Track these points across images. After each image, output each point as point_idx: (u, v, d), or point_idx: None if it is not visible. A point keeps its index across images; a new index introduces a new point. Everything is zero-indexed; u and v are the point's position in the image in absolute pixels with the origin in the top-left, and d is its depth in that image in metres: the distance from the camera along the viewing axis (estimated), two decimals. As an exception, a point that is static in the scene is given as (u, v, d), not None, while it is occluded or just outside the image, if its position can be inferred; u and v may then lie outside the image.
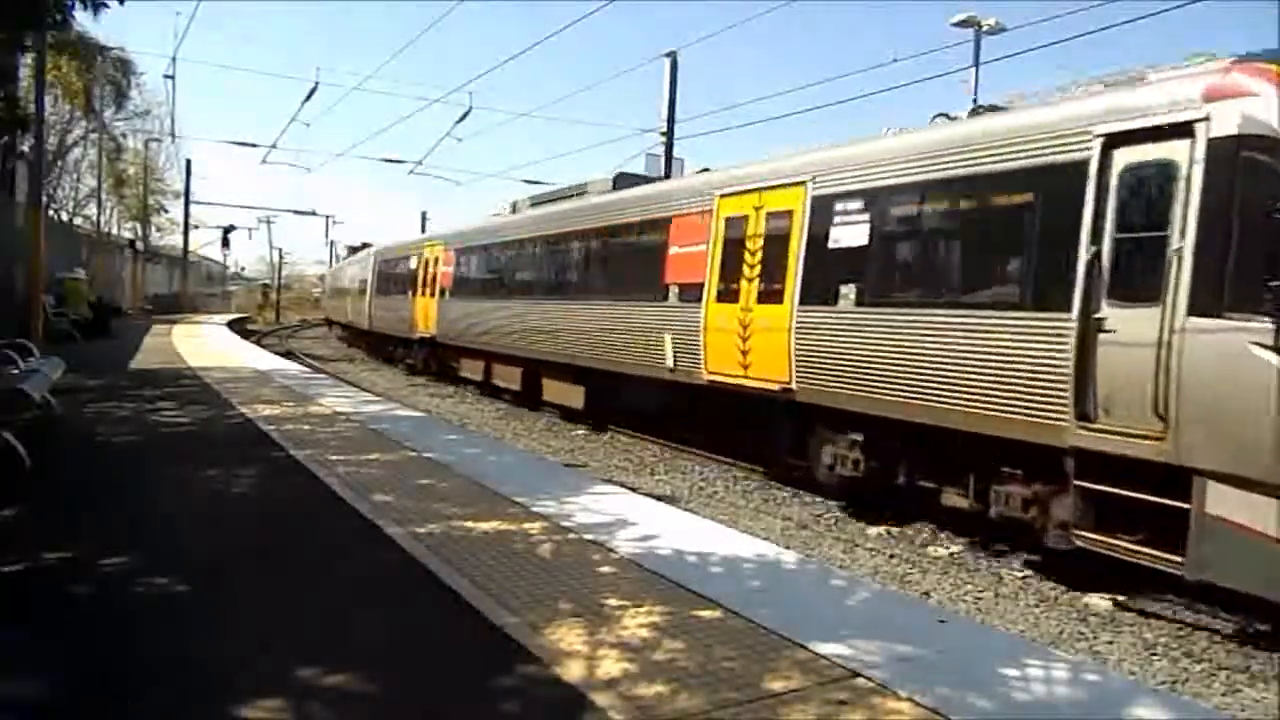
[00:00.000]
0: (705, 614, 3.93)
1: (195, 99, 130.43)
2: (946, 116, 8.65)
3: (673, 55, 21.59)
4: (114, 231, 44.20)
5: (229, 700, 3.03)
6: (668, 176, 14.45)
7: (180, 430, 8.94)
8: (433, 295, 21.23)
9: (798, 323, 9.08)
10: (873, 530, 8.59)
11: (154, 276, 47.95)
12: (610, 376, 13.07)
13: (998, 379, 7.00)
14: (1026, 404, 6.74)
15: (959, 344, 7.37)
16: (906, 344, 7.84)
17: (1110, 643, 5.89)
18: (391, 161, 58.48)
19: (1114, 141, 6.41)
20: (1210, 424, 5.60)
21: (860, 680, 3.27)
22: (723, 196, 10.67)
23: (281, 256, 68.38)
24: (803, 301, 9.08)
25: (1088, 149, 6.55)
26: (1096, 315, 6.33)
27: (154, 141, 43.18)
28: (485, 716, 3.01)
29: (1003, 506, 7.19)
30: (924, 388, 7.62)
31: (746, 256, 10.02)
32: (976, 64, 20.53)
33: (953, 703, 3.10)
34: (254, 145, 35.33)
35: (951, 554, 7.84)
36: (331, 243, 59.93)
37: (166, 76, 46.35)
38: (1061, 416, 6.46)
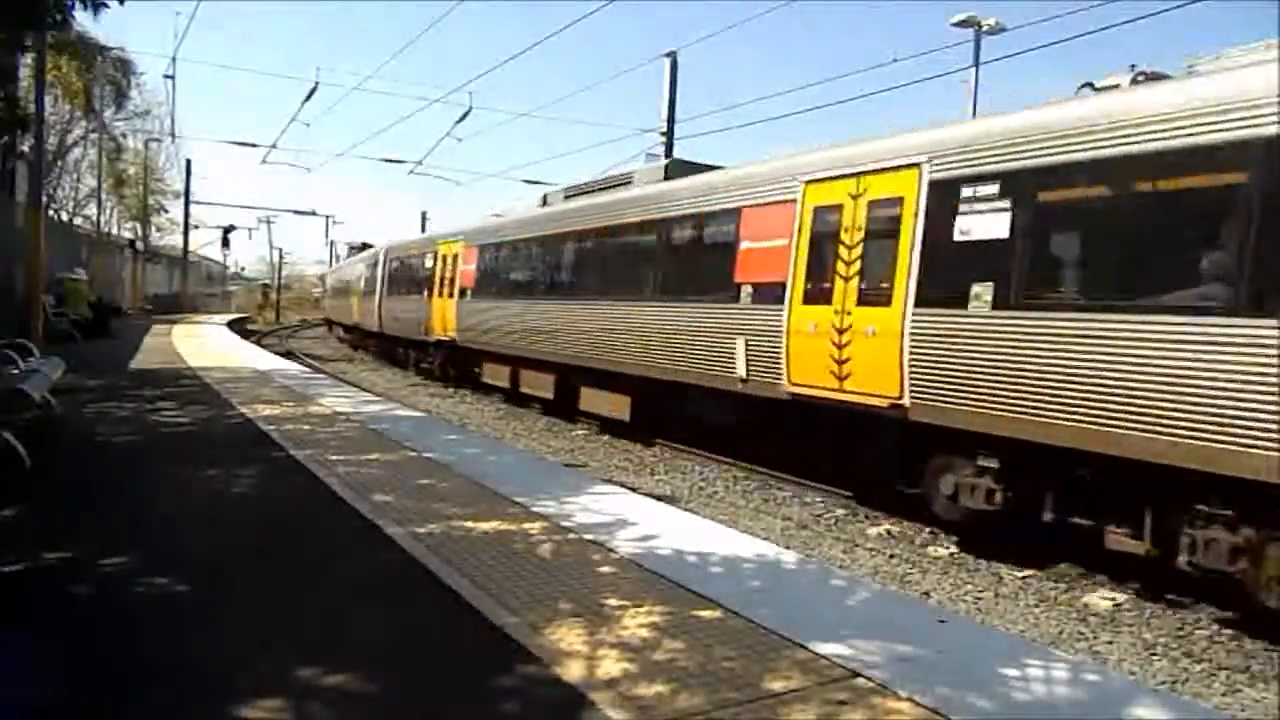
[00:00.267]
0: (705, 614, 3.93)
1: (195, 99, 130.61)
2: (1092, 86, 7.35)
3: (673, 55, 21.59)
4: (114, 231, 44.22)
5: (229, 700, 3.03)
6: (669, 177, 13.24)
7: (180, 430, 8.94)
8: (451, 295, 19.87)
9: (913, 328, 7.84)
10: (873, 530, 8.59)
11: (154, 276, 47.95)
12: (662, 386, 11.81)
13: (1205, 400, 5.77)
14: (1245, 432, 5.56)
15: (1148, 355, 6.12)
16: (1068, 354, 6.61)
17: (1110, 643, 5.89)
18: (391, 161, 58.79)
19: None
20: None
21: (860, 680, 3.27)
22: (810, 183, 9.34)
23: (281, 256, 68.51)
24: (919, 303, 7.83)
25: None
26: None
27: (154, 141, 43.29)
28: (485, 716, 3.00)
29: (1199, 555, 5.99)
30: (1091, 407, 6.43)
31: (842, 251, 8.77)
32: (976, 64, 20.56)
33: (953, 703, 3.10)
34: (254, 145, 35.61)
35: (951, 554, 7.84)
36: (331, 243, 60.05)
37: (166, 76, 46.60)
38: None
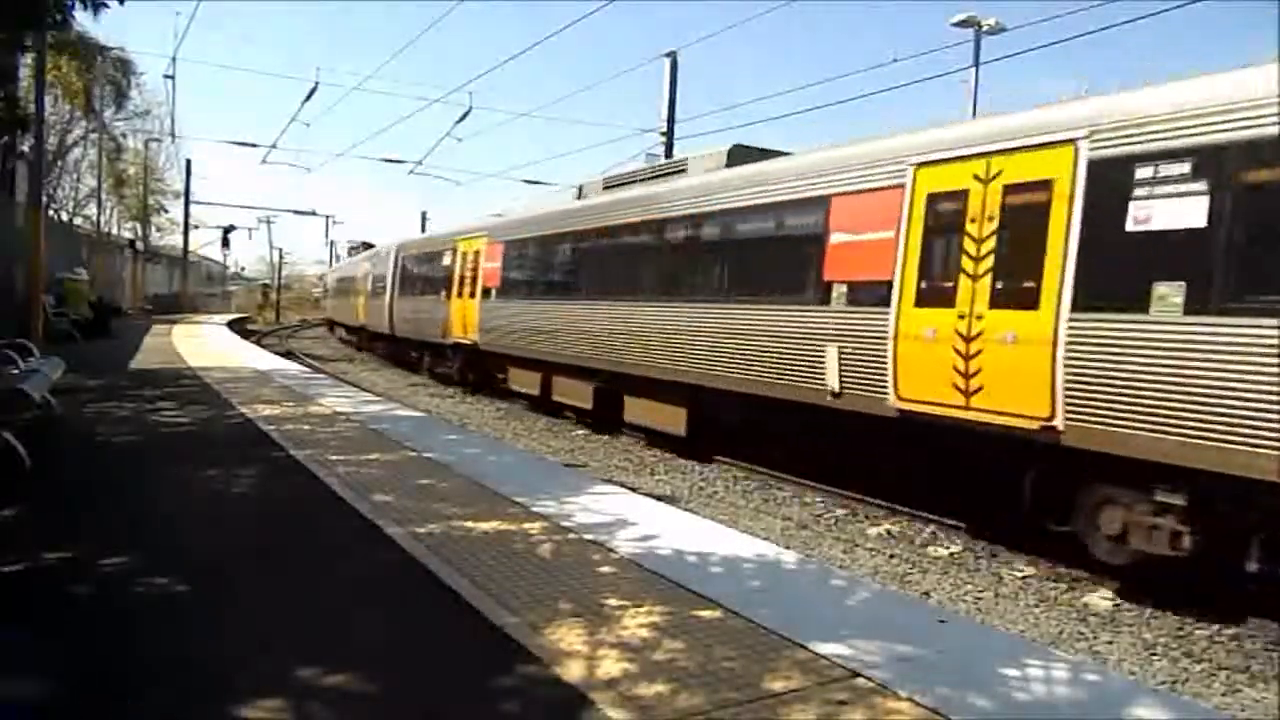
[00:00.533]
0: (705, 614, 3.93)
1: (195, 99, 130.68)
2: None
3: (673, 55, 21.61)
4: (114, 231, 44.26)
5: (229, 700, 3.03)
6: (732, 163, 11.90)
7: (180, 430, 8.94)
8: (473, 295, 18.50)
9: (1071, 335, 6.64)
10: (873, 530, 8.59)
11: (154, 276, 47.96)
12: (725, 397, 10.71)
13: None
14: None
15: None
16: None
17: (1110, 643, 5.89)
18: (391, 161, 58.90)
19: None
20: None
21: (860, 680, 3.27)
22: (923, 166, 8.12)
23: (281, 256, 68.54)
24: (1078, 306, 6.64)
25: None
26: None
27: (154, 141, 43.35)
28: (485, 716, 3.00)
29: None
30: None
31: (967, 245, 7.57)
32: (976, 64, 20.59)
33: (953, 703, 3.10)
34: (254, 145, 35.66)
35: (951, 554, 7.84)
36: (331, 243, 60.22)
37: (166, 76, 46.59)
38: None
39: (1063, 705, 3.22)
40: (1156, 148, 6.36)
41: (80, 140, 35.52)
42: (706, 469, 11.23)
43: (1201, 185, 6.09)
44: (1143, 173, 6.43)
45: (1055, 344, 6.76)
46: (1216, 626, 6.14)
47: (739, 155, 11.96)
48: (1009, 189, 7.37)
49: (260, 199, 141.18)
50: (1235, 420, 5.70)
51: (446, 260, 20.65)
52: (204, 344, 22.00)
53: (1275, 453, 5.48)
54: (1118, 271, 6.55)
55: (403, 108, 68.26)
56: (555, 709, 3.06)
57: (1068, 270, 6.78)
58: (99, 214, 39.35)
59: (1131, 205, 6.46)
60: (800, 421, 9.68)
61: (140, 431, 8.73)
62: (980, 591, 6.87)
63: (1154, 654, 5.72)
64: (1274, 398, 5.51)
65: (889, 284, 8.27)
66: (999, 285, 7.35)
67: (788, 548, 6.40)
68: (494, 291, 17.69)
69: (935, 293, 7.91)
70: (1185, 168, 6.19)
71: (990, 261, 7.42)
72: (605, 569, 4.57)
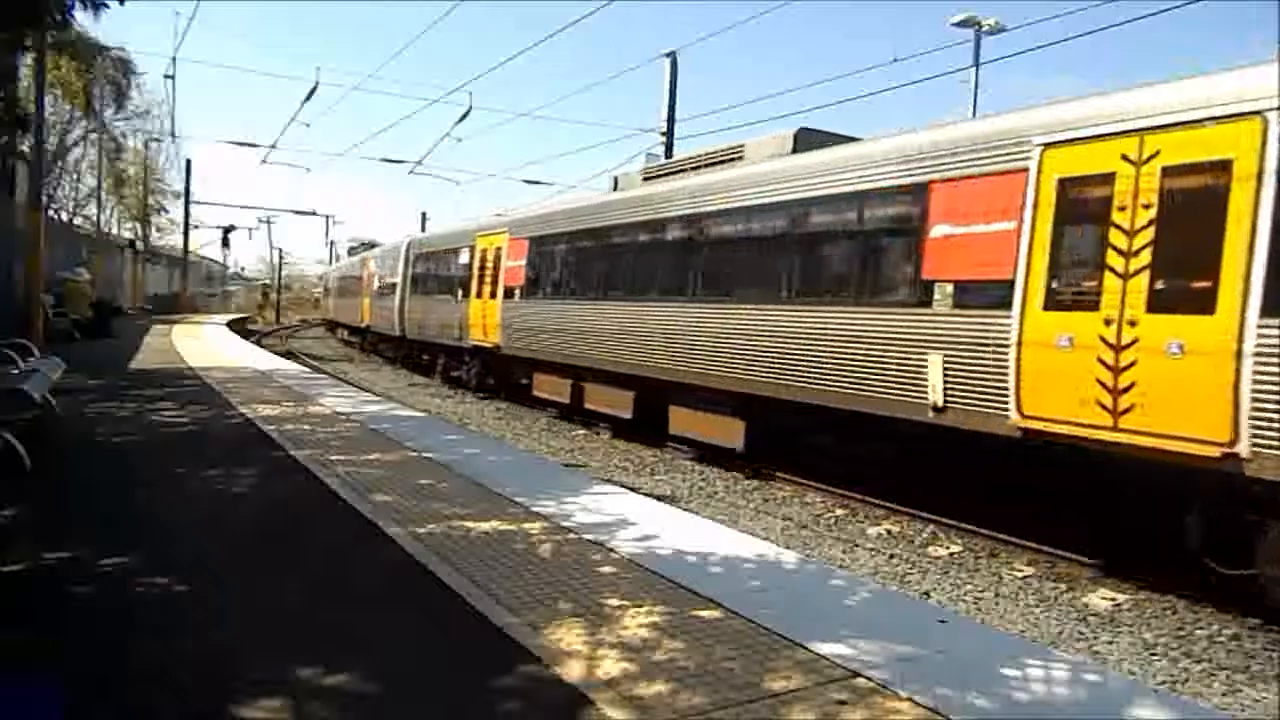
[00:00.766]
0: (705, 614, 3.93)
1: (195, 99, 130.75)
2: None
3: (673, 55, 21.61)
4: (114, 231, 44.28)
5: (229, 700, 3.03)
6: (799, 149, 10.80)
7: (180, 430, 8.94)
8: (493, 295, 17.43)
9: (1262, 345, 5.71)
10: (873, 530, 8.59)
11: (154, 276, 47.98)
12: (793, 409, 9.73)
13: None
14: None
15: None
16: None
17: (1110, 643, 5.89)
18: (391, 161, 58.76)
19: None
20: None
21: (860, 680, 3.27)
22: (1053, 146, 7.10)
23: (281, 256, 68.53)
24: (1271, 310, 5.70)
25: None
26: None
27: (154, 141, 43.37)
28: (485, 716, 3.00)
29: None
30: None
31: (1115, 238, 6.59)
32: (976, 64, 20.62)
33: (953, 703, 3.09)
34: (254, 145, 35.44)
35: (951, 554, 7.84)
36: (331, 243, 60.16)
37: (166, 76, 46.76)
38: None
39: (1062, 705, 3.22)
40: None
41: (80, 140, 35.59)
42: (707, 469, 11.22)
43: None
44: None
45: (1240, 355, 5.78)
46: (1216, 626, 6.14)
47: (806, 140, 10.87)
48: (1171, 171, 6.37)
49: (260, 199, 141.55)
50: None
51: (463, 258, 19.51)
52: (204, 344, 22.01)
53: None
54: None
55: (403, 108, 68.42)
56: (555, 709, 3.06)
57: (1255, 268, 5.78)
58: (99, 214, 39.42)
59: None
60: (895, 438, 8.62)
61: (140, 431, 8.73)
62: (980, 591, 6.87)
63: (1154, 654, 5.72)
64: None
65: (1009, 283, 7.25)
66: (1159, 286, 6.33)
67: (788, 547, 6.40)
68: (518, 291, 16.61)
69: (1072, 294, 6.95)
70: None
71: (1146, 258, 6.40)
72: (605, 569, 4.57)
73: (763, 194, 10.44)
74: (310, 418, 9.87)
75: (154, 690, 3.18)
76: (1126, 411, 6.41)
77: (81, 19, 15.25)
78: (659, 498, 8.22)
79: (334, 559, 4.78)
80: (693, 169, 12.87)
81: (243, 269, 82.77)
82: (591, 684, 3.19)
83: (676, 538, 5.21)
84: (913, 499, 8.86)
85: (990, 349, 7.40)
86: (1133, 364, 6.39)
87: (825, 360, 9.12)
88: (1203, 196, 6.21)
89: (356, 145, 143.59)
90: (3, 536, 5.01)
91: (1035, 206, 7.18)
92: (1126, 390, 6.41)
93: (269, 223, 64.32)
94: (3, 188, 18.33)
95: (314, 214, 58.87)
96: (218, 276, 69.37)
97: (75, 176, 37.91)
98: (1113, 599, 6.66)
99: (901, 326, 8.26)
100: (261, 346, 25.49)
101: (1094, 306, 6.71)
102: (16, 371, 8.85)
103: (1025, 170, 7.28)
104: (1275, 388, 5.68)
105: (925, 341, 8.00)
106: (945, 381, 7.76)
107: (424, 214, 51.40)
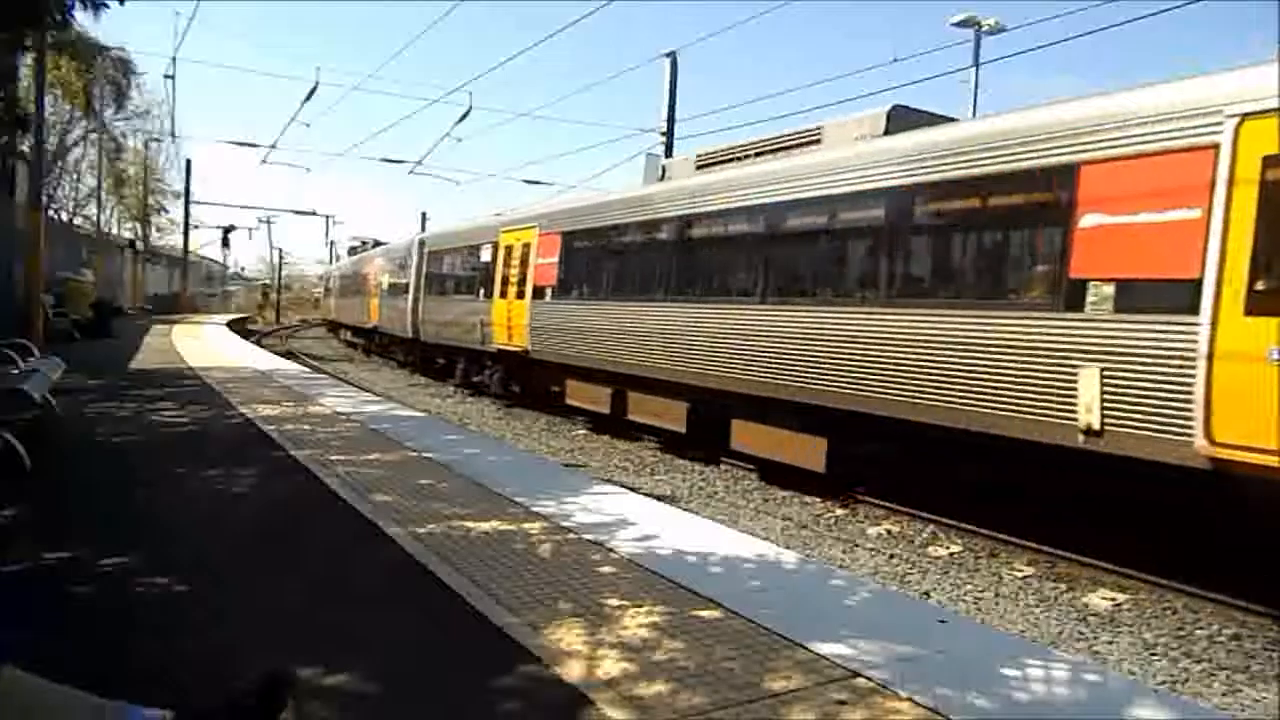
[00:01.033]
0: (705, 614, 3.92)
1: (195, 99, 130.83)
2: None
3: (673, 55, 21.61)
4: (114, 231, 44.30)
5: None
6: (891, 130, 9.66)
7: (180, 430, 8.94)
8: (521, 295, 16.19)
9: None
10: (873, 530, 8.59)
11: (154, 276, 48.00)
12: (886, 426, 8.58)
13: None
14: None
15: None
16: None
17: (1110, 643, 5.89)
18: (391, 161, 58.70)
19: None
20: None
21: (860, 680, 3.27)
22: (1255, 116, 5.89)
23: (281, 256, 68.57)
24: None
25: None
26: None
27: (154, 141, 43.40)
28: (485, 716, 3.00)
29: None
30: None
31: None
32: (976, 64, 20.63)
33: (953, 703, 3.09)
34: (254, 145, 35.42)
35: (951, 554, 7.84)
36: (332, 243, 60.13)
37: (166, 76, 46.76)
38: None
39: (1062, 705, 3.22)
40: None
41: (80, 140, 35.62)
42: (706, 469, 11.22)
43: None
44: None
45: None
46: (1216, 626, 6.14)
47: (901, 119, 9.68)
48: None
49: (260, 199, 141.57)
50: None
51: (486, 256, 18.14)
52: (204, 344, 22.01)
53: None
54: None
55: (403, 108, 68.49)
56: (555, 709, 3.06)
57: None
58: (99, 214, 39.43)
59: None
60: (1032, 466, 7.47)
61: (140, 431, 8.73)
62: (980, 591, 6.87)
63: (1154, 654, 5.72)
64: None
65: (1194, 282, 6.07)
66: None
67: (788, 548, 6.40)
68: (549, 290, 15.30)
69: None
70: None
71: None
72: (605, 569, 4.57)
73: (856, 181, 9.21)
74: (310, 418, 9.87)
75: (154, 690, 3.18)
76: None
77: (81, 19, 15.28)
78: (659, 498, 8.22)
79: (334, 559, 4.78)
80: (756, 154, 11.55)
81: (243, 269, 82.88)
82: (591, 684, 3.19)
83: (676, 538, 5.21)
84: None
85: (1167, 362, 6.22)
86: None
87: (933, 371, 7.96)
88: None
89: (356, 145, 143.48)
90: (3, 536, 5.01)
91: (1231, 190, 5.96)
92: None
93: (269, 223, 64.42)
94: (3, 188, 18.33)
95: (314, 214, 59.04)
96: (218, 276, 69.40)
97: (75, 176, 38.01)
98: (1113, 599, 6.66)
99: (1045, 334, 7.06)
100: (261, 346, 25.49)
101: None
102: (16, 371, 8.85)
103: (1214, 147, 6.10)
104: None
105: (1077, 352, 6.78)
106: (1103, 400, 6.57)
107: (424, 214, 51.42)
